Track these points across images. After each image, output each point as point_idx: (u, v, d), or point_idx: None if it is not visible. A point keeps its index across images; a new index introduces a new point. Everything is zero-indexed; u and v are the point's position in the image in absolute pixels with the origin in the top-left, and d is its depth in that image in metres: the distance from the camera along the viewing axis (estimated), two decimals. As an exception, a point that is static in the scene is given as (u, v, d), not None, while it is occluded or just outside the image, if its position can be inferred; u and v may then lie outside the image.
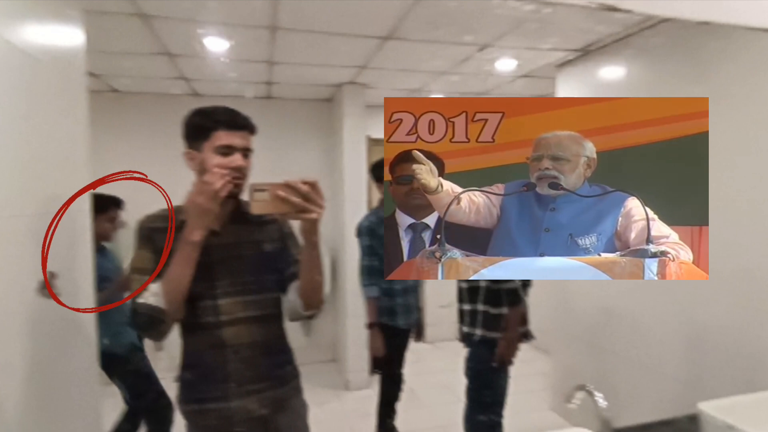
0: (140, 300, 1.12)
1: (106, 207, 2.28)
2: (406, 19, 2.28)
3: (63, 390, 1.38)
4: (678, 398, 2.19)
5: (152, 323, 1.12)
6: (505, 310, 1.98)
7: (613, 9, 1.17)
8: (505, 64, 3.14)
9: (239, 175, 1.19)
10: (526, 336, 2.08)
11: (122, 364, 2.22)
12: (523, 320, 2.05)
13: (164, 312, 1.11)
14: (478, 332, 2.02)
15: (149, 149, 3.77)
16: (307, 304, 1.25)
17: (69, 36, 1.52)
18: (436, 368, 3.98)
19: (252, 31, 2.41)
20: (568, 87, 3.11)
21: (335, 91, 3.81)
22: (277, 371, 1.32)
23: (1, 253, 1.07)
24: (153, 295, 1.11)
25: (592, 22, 2.45)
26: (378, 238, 2.35)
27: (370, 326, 2.39)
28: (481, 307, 2.02)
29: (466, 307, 2.08)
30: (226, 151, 1.18)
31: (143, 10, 2.11)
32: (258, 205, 1.04)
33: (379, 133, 4.39)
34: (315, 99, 4.09)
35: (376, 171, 2.48)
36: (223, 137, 1.18)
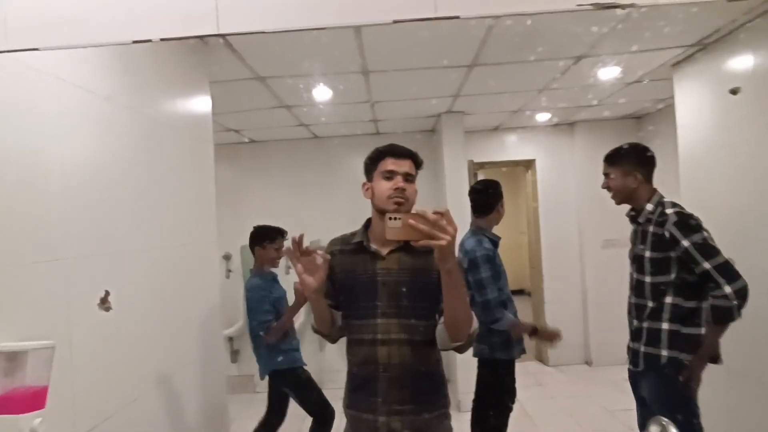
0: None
1: (274, 237, 2.57)
2: (486, 45, 2.36)
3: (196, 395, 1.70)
4: None
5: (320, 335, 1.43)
6: (701, 330, 1.76)
7: None
8: (609, 72, 2.97)
9: (401, 196, 1.33)
10: (715, 359, 1.80)
11: (292, 377, 2.56)
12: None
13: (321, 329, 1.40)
14: (665, 353, 1.80)
15: (284, 186, 4.39)
16: (452, 336, 1.27)
17: (198, 103, 1.94)
18: (557, 393, 3.75)
19: (349, 77, 2.72)
20: (687, 86, 2.82)
21: (435, 121, 3.98)
22: (423, 397, 1.36)
23: (122, 281, 1.40)
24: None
25: (702, 11, 2.24)
26: (495, 266, 2.27)
27: (533, 332, 2.38)
28: (666, 326, 1.80)
29: (647, 324, 1.85)
30: (390, 175, 1.35)
31: (259, 74, 2.55)
32: (392, 231, 1.13)
33: (484, 157, 4.43)
34: (418, 131, 4.30)
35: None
36: (387, 164, 1.36)
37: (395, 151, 1.38)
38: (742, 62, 2.38)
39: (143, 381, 1.38)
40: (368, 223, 1.45)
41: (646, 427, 0.86)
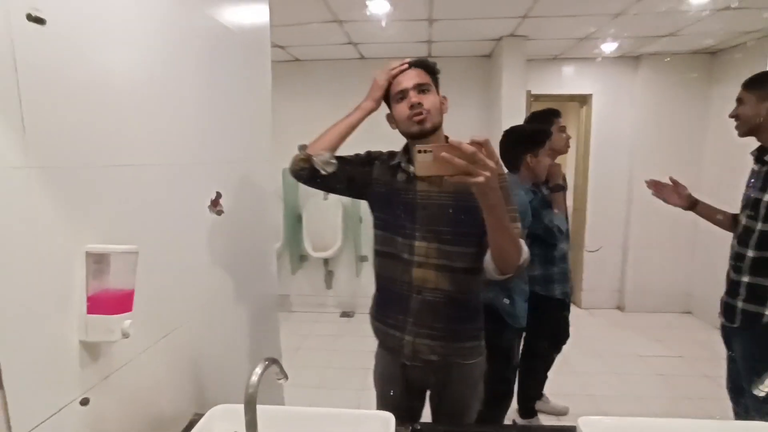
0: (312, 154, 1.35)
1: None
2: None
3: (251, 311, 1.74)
4: None
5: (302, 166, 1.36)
6: None
7: None
8: (700, -4, 2.65)
9: (418, 110, 1.22)
10: None
11: None
12: None
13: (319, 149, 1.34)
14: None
15: (326, 110, 4.24)
16: (500, 268, 1.15)
17: (257, 11, 1.80)
18: (589, 335, 3.78)
19: (411, -10, 2.50)
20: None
21: (494, 46, 3.70)
22: (455, 324, 1.31)
23: (188, 192, 1.36)
24: (319, 157, 1.33)
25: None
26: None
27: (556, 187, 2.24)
28: None
29: (747, 279, 1.72)
30: (402, 95, 1.25)
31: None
32: (422, 166, 0.98)
33: (540, 88, 4.16)
34: (474, 55, 4.03)
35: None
36: (396, 85, 1.26)
37: (402, 66, 1.27)
38: None
39: (206, 292, 1.39)
40: (406, 147, 1.36)
41: (762, 379, 0.81)
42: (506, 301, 2.07)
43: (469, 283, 1.30)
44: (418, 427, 1.14)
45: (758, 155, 1.73)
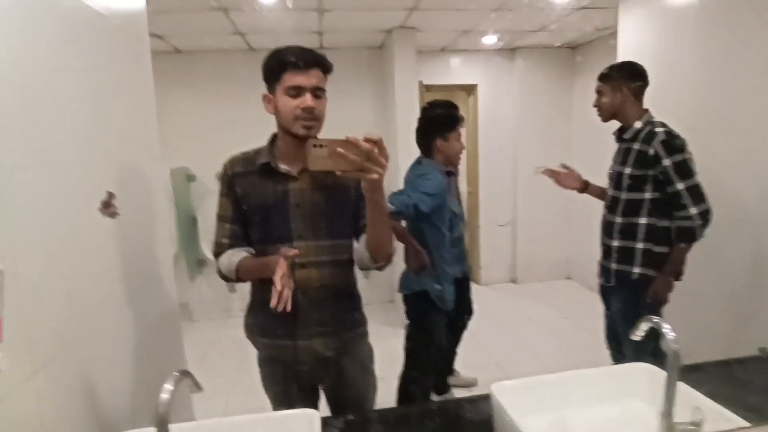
0: (219, 259, 1.28)
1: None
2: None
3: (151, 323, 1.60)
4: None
5: (227, 279, 1.30)
6: (668, 249, 1.85)
7: None
8: (563, -6, 2.95)
9: (310, 116, 1.17)
10: (678, 275, 1.91)
11: None
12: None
13: (235, 279, 1.27)
14: (636, 270, 1.89)
15: (213, 104, 4.00)
16: (373, 257, 1.23)
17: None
18: (489, 309, 4.08)
19: (300, -21, 2.44)
20: (632, 19, 2.88)
21: (386, 37, 3.77)
22: (344, 316, 1.33)
23: (69, 196, 1.22)
24: (228, 263, 1.25)
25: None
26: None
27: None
28: (640, 245, 1.88)
29: (617, 243, 1.93)
30: (295, 92, 1.16)
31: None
32: (316, 160, 0.99)
33: (430, 79, 4.34)
34: (366, 47, 4.07)
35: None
36: (292, 78, 1.16)
37: (301, 60, 1.16)
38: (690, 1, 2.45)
39: (96, 308, 1.24)
40: (273, 139, 1.29)
41: (637, 326, 0.94)
42: (437, 286, 2.16)
43: (347, 273, 1.34)
44: (351, 418, 1.14)
45: (618, 134, 1.99)
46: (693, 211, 1.75)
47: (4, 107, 0.92)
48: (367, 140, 0.98)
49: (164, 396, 0.72)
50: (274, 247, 1.22)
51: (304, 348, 1.29)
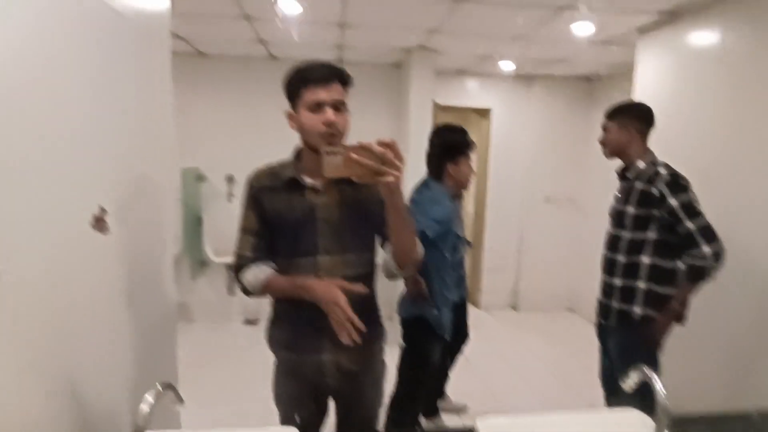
0: (243, 273, 1.28)
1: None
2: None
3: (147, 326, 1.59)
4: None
5: (247, 292, 1.31)
6: (671, 290, 1.82)
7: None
8: (583, 28, 2.96)
9: (332, 130, 1.16)
10: (680, 318, 1.86)
11: None
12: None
13: (259, 294, 1.29)
14: (638, 310, 1.86)
15: (233, 108, 4.06)
16: (399, 264, 1.24)
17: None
18: (487, 335, 4.03)
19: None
20: (650, 55, 2.88)
21: (404, 56, 3.81)
22: (368, 328, 1.29)
23: (69, 203, 1.24)
24: (255, 279, 1.26)
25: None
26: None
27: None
28: (642, 284, 1.85)
29: (620, 282, 1.91)
30: (317, 107, 1.16)
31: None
32: (331, 167, 1.00)
33: (445, 100, 4.37)
34: (385, 63, 4.12)
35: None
36: (313, 93, 1.16)
37: (321, 75, 1.16)
38: (707, 38, 2.46)
39: (86, 316, 1.24)
40: (299, 154, 1.30)
41: (628, 375, 0.92)
42: (435, 312, 2.14)
43: (371, 286, 1.34)
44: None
45: (621, 173, 1.98)
46: (707, 250, 1.70)
47: (18, 107, 0.93)
48: (380, 144, 1.00)
49: (144, 407, 0.71)
50: (299, 261, 1.25)
51: (331, 362, 1.29)
